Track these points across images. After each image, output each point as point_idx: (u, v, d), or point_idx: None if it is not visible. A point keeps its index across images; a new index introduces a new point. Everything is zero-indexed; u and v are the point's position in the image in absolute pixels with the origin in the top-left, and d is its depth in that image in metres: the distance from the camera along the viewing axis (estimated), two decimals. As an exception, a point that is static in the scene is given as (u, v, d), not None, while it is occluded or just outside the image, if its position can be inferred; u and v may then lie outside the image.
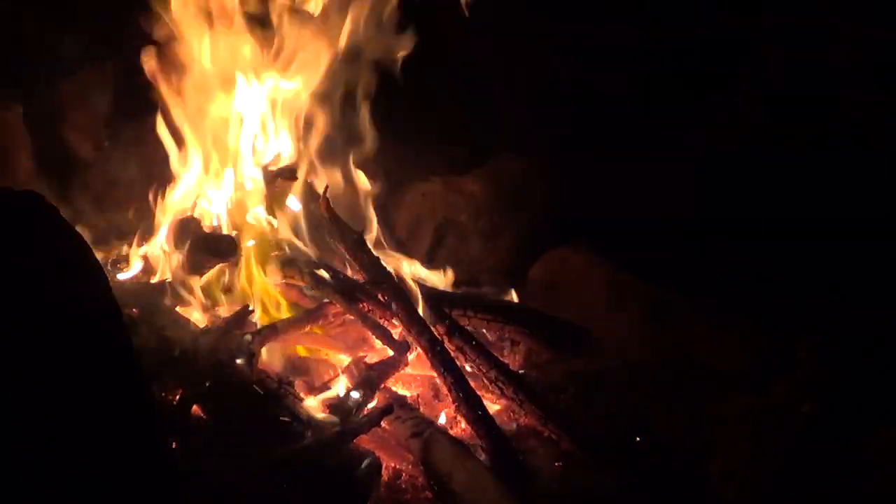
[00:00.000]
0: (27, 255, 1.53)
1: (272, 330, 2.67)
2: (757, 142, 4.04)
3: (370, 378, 2.56)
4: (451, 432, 2.51)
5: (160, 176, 3.16)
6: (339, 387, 2.60)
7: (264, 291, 2.92)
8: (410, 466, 2.38)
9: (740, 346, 2.87)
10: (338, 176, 3.17)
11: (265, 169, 3.13)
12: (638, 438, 2.49)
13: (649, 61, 4.23)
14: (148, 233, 3.10)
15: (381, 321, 2.78)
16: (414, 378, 2.83)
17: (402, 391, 2.75)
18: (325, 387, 2.59)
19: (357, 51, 3.08)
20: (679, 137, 4.13)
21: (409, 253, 3.40)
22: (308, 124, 3.16)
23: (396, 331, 2.78)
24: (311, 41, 3.04)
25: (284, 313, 2.89)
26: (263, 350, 2.61)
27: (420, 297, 2.79)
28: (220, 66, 3.07)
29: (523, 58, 4.35)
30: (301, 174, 3.13)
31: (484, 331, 2.98)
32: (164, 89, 3.03)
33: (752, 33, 4.14)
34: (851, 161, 3.73)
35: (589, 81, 4.25)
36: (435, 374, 2.60)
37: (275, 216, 3.13)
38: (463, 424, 2.52)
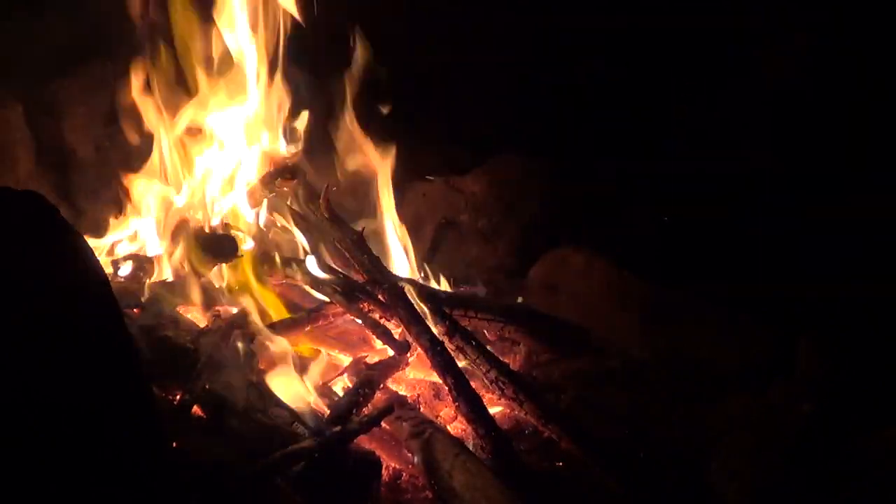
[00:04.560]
0: (27, 256, 1.53)
1: (272, 330, 2.67)
2: (759, 141, 4.05)
3: (370, 378, 2.56)
4: (451, 432, 2.51)
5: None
6: (339, 387, 2.60)
7: (265, 291, 2.93)
8: (410, 466, 2.38)
9: (740, 346, 2.87)
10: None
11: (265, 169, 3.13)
12: (638, 439, 2.49)
13: (650, 59, 4.23)
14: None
15: (382, 321, 2.78)
16: (415, 378, 2.83)
17: (402, 391, 2.75)
18: (326, 387, 2.59)
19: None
20: (680, 136, 4.13)
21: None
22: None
23: (397, 331, 2.78)
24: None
25: (284, 313, 2.89)
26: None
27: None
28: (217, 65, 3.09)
29: (524, 58, 4.35)
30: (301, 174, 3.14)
31: (484, 331, 2.98)
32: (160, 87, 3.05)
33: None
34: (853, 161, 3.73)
35: (589, 81, 4.25)
36: (435, 375, 2.60)
37: (275, 216, 3.13)
38: (463, 424, 2.52)
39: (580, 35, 4.25)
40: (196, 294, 2.83)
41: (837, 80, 3.93)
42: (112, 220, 3.19)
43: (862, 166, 3.69)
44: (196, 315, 2.82)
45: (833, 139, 3.84)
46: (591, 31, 4.21)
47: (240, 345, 2.51)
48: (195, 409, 2.33)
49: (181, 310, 2.79)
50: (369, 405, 2.48)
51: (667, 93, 4.18)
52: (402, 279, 3.00)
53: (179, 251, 2.93)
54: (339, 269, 3.02)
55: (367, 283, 2.88)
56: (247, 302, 2.77)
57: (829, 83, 3.95)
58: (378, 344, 2.80)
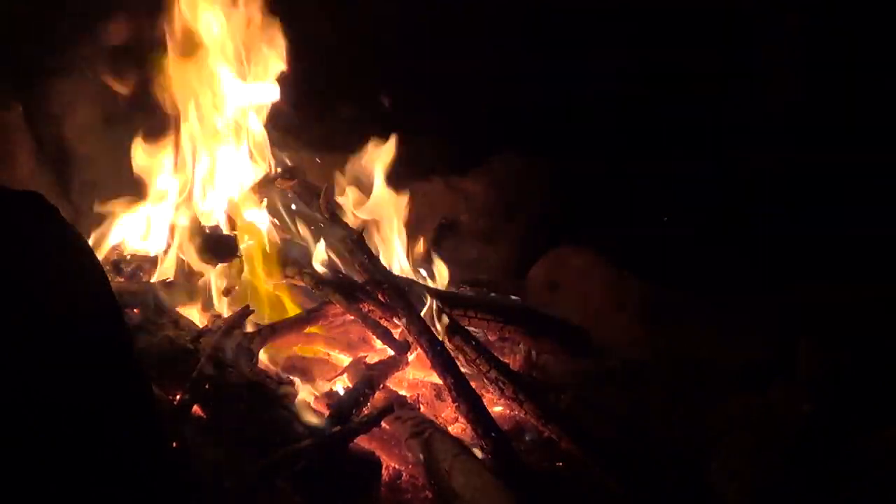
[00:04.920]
0: (27, 255, 1.53)
1: (272, 330, 2.67)
2: (759, 140, 4.05)
3: (370, 378, 2.56)
4: (451, 432, 2.51)
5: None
6: (340, 387, 2.60)
7: (264, 291, 2.93)
8: (410, 466, 2.38)
9: (740, 346, 2.87)
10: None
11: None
12: (638, 439, 2.49)
13: (650, 58, 4.23)
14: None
15: (382, 321, 2.78)
16: (416, 378, 2.83)
17: (403, 391, 2.75)
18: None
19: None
20: (680, 136, 4.13)
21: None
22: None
23: (397, 331, 2.78)
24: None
25: (285, 313, 2.90)
26: (263, 350, 2.61)
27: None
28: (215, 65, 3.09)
29: (523, 57, 4.35)
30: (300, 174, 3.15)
31: (485, 331, 2.98)
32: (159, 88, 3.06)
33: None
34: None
35: (589, 81, 4.25)
36: (435, 375, 2.60)
37: (275, 216, 3.14)
38: (463, 425, 2.52)
39: (578, 32, 4.26)
40: (196, 294, 2.83)
41: (829, 60, 3.94)
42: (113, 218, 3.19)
43: (857, 153, 3.67)
44: (196, 315, 2.82)
45: (828, 121, 3.84)
46: (587, 25, 4.21)
47: (240, 344, 2.51)
48: (195, 409, 2.33)
49: (181, 310, 2.79)
50: (369, 405, 2.48)
51: (666, 86, 4.17)
52: (402, 279, 3.00)
53: (180, 251, 2.93)
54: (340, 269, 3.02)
55: (367, 284, 2.88)
56: (248, 301, 2.78)
57: (821, 64, 3.96)
58: (378, 344, 2.79)
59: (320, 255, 3.00)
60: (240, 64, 3.12)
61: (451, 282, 3.25)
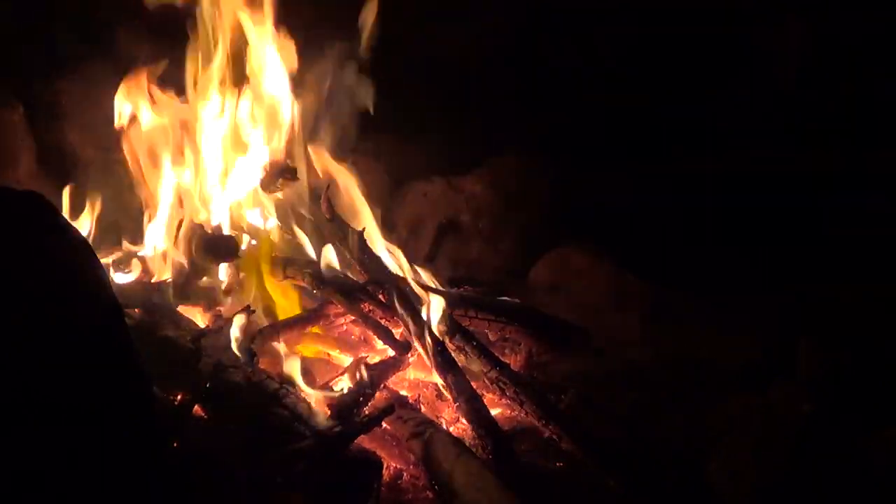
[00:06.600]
0: (28, 255, 1.54)
1: (273, 330, 2.67)
2: (759, 140, 4.05)
3: (371, 378, 2.56)
4: (451, 432, 2.51)
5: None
6: (341, 387, 2.60)
7: (265, 292, 2.93)
8: (411, 466, 2.38)
9: (740, 346, 2.87)
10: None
11: (265, 169, 3.13)
12: (638, 439, 2.49)
13: (651, 58, 4.24)
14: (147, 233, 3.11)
15: (383, 321, 2.78)
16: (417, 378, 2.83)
17: (404, 391, 2.75)
18: (327, 387, 2.59)
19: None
20: (680, 136, 4.14)
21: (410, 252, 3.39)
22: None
23: (398, 331, 2.78)
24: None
25: (285, 313, 2.90)
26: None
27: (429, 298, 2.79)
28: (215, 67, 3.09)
29: (523, 57, 4.35)
30: (302, 174, 3.14)
31: (486, 331, 2.98)
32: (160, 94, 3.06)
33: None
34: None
35: (589, 81, 4.26)
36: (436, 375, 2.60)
37: (276, 217, 3.14)
38: (464, 425, 2.52)
39: (579, 35, 4.26)
40: (197, 294, 2.83)
41: (829, 59, 3.95)
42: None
43: (857, 152, 3.68)
44: (196, 315, 2.82)
45: (828, 121, 3.85)
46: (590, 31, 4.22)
47: (241, 344, 2.51)
48: (195, 409, 2.33)
49: (181, 310, 2.79)
50: (370, 405, 2.48)
51: (666, 86, 4.18)
52: (402, 279, 3.00)
53: (181, 251, 2.93)
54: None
55: (368, 283, 2.88)
56: (249, 301, 2.78)
57: (821, 63, 3.97)
58: (379, 344, 2.80)
59: (321, 254, 3.00)
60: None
61: (451, 282, 3.25)
